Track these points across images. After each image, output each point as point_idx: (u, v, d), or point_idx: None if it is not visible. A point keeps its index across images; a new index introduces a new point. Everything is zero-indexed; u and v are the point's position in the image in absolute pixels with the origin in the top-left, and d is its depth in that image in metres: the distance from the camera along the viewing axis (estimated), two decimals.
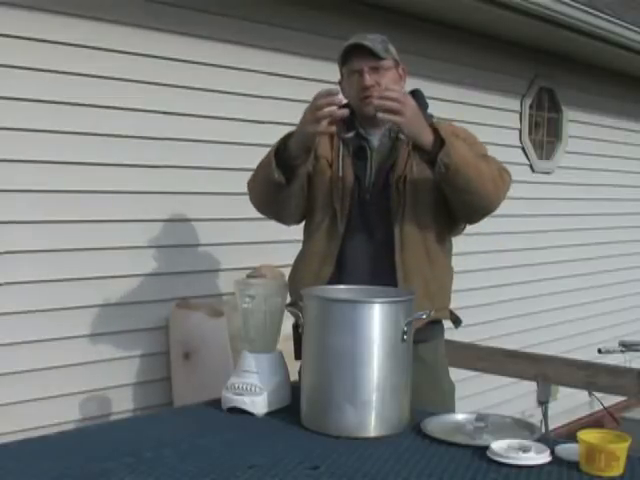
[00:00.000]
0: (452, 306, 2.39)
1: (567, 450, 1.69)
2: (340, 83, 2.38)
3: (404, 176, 2.26)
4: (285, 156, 2.20)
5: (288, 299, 2.19)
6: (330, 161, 2.34)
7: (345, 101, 2.20)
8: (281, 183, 2.22)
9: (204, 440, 1.81)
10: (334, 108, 2.08)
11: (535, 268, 5.33)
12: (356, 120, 2.37)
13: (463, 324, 2.41)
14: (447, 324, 2.41)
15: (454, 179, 2.13)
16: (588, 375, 3.44)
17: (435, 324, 2.32)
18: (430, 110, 2.41)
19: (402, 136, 2.30)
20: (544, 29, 4.63)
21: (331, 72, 2.37)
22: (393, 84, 2.28)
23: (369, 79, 2.25)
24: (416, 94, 2.43)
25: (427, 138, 2.11)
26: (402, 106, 2.05)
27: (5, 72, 2.80)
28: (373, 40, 2.26)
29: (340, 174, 2.31)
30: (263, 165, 2.29)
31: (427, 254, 2.26)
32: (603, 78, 5.87)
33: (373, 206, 2.29)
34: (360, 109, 2.33)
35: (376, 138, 2.35)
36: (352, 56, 2.27)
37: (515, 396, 4.90)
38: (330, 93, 2.09)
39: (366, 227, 2.30)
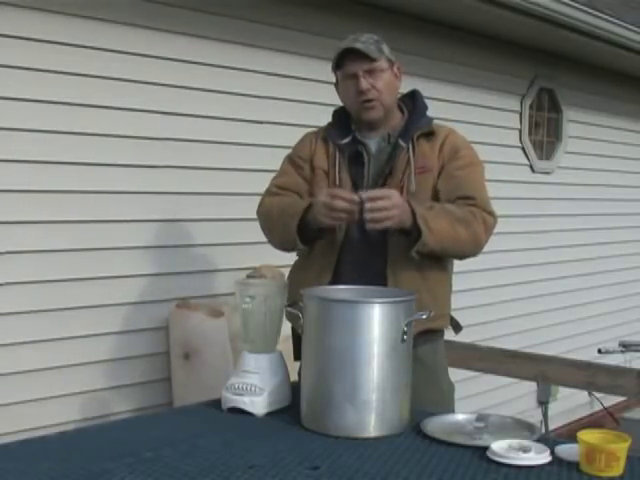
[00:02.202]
0: (453, 306, 2.39)
1: (567, 450, 1.69)
2: (336, 86, 2.37)
3: (401, 186, 2.25)
4: (305, 227, 2.23)
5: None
6: (326, 171, 2.33)
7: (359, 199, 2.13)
8: (304, 249, 2.30)
9: (204, 440, 1.81)
10: (348, 213, 2.11)
11: (535, 268, 5.33)
12: (352, 123, 2.36)
13: (463, 324, 2.41)
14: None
15: (430, 254, 2.20)
16: (588, 375, 3.44)
17: (433, 332, 2.31)
18: (430, 111, 2.41)
19: (402, 142, 2.30)
20: (544, 29, 4.63)
21: (330, 72, 2.37)
22: (388, 86, 2.28)
23: (365, 83, 2.24)
24: (415, 95, 2.42)
25: (408, 224, 2.13)
26: (391, 212, 2.07)
27: (4, 72, 2.80)
28: (365, 42, 2.24)
29: (337, 183, 2.30)
30: (281, 229, 2.29)
31: (419, 267, 2.24)
32: (603, 78, 5.87)
33: None
34: (357, 114, 2.32)
35: (374, 142, 2.34)
36: (346, 60, 2.26)
37: (515, 396, 4.90)
38: (351, 200, 2.10)
39: (363, 235, 2.27)
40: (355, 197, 2.11)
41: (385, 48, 2.29)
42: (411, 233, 2.14)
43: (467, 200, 2.24)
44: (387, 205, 2.07)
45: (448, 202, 2.25)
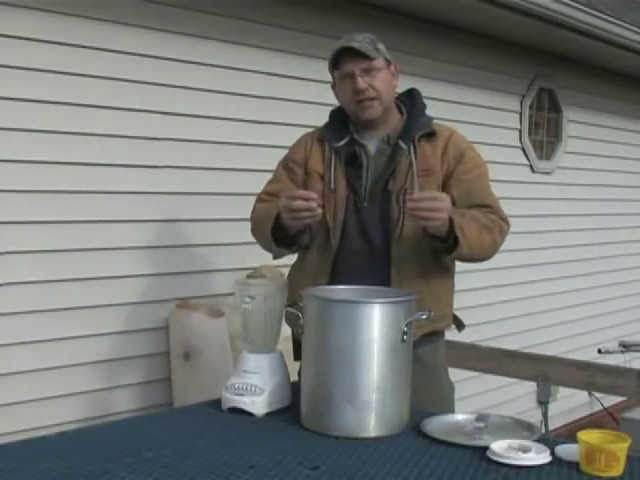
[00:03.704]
0: (454, 306, 2.39)
1: (567, 450, 1.69)
2: (333, 87, 2.35)
3: (405, 189, 2.23)
4: (281, 231, 2.22)
5: None
6: (322, 173, 2.30)
7: (317, 205, 2.12)
8: (284, 252, 2.30)
9: (204, 440, 1.81)
10: (309, 212, 2.09)
11: (535, 268, 5.33)
12: (350, 124, 2.34)
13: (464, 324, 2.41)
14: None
15: (458, 259, 2.24)
16: (588, 375, 3.44)
17: (435, 333, 2.31)
18: (430, 110, 2.40)
19: (402, 144, 2.28)
20: (544, 29, 4.63)
21: (328, 72, 2.37)
22: (385, 85, 2.26)
23: (362, 82, 2.22)
24: (413, 94, 2.40)
25: (443, 230, 2.12)
26: (441, 213, 2.06)
27: (4, 72, 2.80)
28: (361, 41, 2.23)
29: (332, 186, 2.28)
30: (262, 234, 2.30)
31: (422, 269, 2.23)
32: (603, 78, 5.87)
33: (370, 215, 2.26)
34: (355, 114, 2.30)
35: (372, 144, 2.31)
36: (342, 59, 2.24)
37: (515, 396, 4.90)
38: (309, 198, 2.09)
39: (363, 236, 2.26)
40: (314, 194, 2.11)
41: (381, 47, 2.27)
42: (447, 240, 2.14)
43: (485, 208, 2.25)
44: (439, 206, 2.06)
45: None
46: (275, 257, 2.41)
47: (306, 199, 2.09)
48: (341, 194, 2.27)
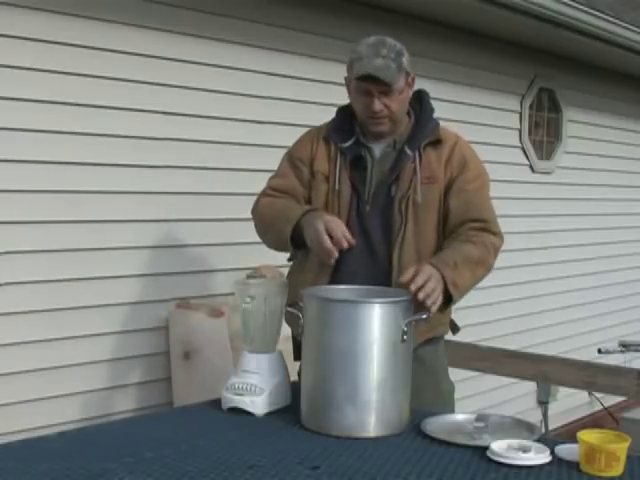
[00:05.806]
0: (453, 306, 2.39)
1: (567, 450, 1.69)
2: (346, 80, 2.27)
3: (407, 196, 2.21)
4: (298, 236, 2.20)
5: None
6: (327, 175, 2.29)
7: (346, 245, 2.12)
8: (295, 253, 2.28)
9: (204, 440, 1.82)
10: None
11: (535, 268, 5.33)
12: (357, 126, 2.31)
13: (463, 324, 2.41)
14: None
15: None
16: (588, 375, 3.44)
17: (434, 339, 2.31)
18: None
19: (408, 150, 2.25)
20: (544, 29, 4.63)
21: (331, 72, 2.37)
22: (400, 105, 2.22)
23: (378, 104, 2.17)
24: (422, 96, 2.37)
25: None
26: (437, 292, 2.00)
27: (5, 72, 2.80)
28: (386, 57, 2.14)
29: (336, 188, 2.26)
30: (274, 234, 2.29)
31: None
32: (603, 78, 5.87)
33: (372, 219, 2.24)
34: (365, 125, 2.28)
35: (378, 147, 2.29)
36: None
37: (515, 396, 4.90)
38: (337, 242, 2.09)
39: (365, 239, 2.24)
40: (348, 237, 2.10)
41: (405, 60, 2.20)
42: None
43: (478, 223, 2.23)
44: (434, 286, 1.99)
45: (460, 223, 2.22)
46: (280, 251, 2.39)
47: (336, 244, 2.10)
48: (345, 196, 2.26)
